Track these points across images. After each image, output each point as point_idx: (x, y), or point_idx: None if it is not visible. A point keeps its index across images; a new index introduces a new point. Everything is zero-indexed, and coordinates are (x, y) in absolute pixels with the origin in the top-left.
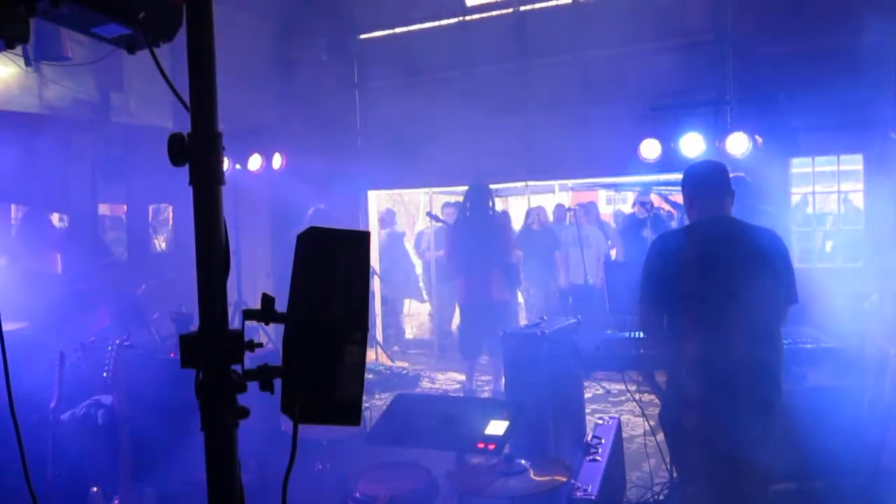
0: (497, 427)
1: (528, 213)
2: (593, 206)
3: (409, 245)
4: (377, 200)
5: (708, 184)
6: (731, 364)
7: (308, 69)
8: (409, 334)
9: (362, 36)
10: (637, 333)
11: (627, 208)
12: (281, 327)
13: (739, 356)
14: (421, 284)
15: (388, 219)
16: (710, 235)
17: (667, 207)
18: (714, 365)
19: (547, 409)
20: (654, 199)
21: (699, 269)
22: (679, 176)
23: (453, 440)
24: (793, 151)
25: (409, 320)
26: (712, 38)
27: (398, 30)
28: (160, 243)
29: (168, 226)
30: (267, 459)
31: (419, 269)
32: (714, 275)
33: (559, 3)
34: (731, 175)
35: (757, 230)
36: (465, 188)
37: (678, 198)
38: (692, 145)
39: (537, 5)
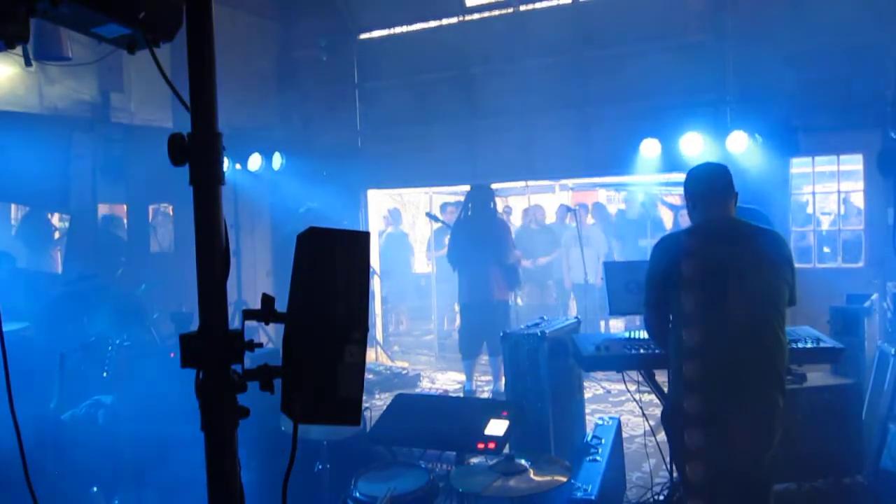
0: (497, 427)
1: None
2: (601, 208)
3: (412, 243)
4: (378, 200)
5: (710, 185)
6: (736, 364)
7: (308, 69)
8: (409, 334)
9: (362, 36)
10: (637, 333)
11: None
12: (281, 327)
13: (744, 357)
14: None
15: (393, 218)
16: (714, 236)
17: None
18: (718, 365)
19: (547, 409)
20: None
21: (703, 270)
22: (679, 176)
23: (453, 440)
24: (793, 151)
25: (409, 320)
26: (712, 38)
27: (398, 30)
28: (160, 243)
29: (168, 226)
30: (267, 459)
31: (425, 269)
32: (718, 275)
33: (559, 2)
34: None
35: (760, 231)
36: (465, 188)
37: (675, 199)
38: (692, 145)
39: (537, 5)
